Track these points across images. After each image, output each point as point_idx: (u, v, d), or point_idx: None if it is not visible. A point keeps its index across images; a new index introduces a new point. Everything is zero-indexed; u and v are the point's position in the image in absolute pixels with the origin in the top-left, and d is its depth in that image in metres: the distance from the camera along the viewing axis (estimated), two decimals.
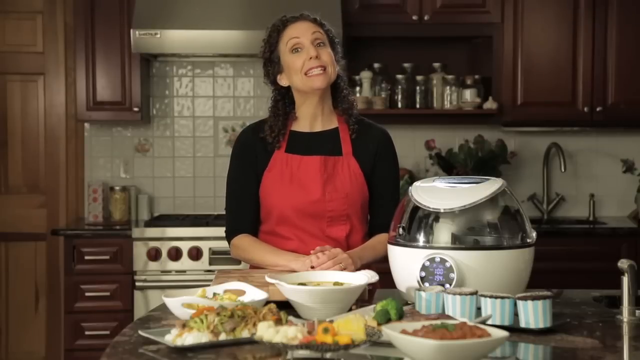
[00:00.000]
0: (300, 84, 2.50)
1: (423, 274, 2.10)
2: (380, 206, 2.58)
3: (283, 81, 2.55)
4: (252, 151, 2.57)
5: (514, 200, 2.19)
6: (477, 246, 2.09)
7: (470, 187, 2.18)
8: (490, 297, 1.91)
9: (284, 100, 2.57)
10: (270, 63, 2.55)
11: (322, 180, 2.51)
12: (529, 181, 4.91)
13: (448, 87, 4.68)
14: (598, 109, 4.58)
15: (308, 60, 2.47)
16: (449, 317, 1.92)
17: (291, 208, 2.50)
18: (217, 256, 4.20)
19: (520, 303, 1.90)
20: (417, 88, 4.71)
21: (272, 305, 1.83)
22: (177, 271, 4.21)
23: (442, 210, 2.13)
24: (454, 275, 2.06)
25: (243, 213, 2.58)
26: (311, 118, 2.57)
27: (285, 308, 1.95)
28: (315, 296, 1.98)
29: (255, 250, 2.53)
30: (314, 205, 2.49)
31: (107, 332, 4.14)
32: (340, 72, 2.58)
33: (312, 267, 2.31)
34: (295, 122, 2.58)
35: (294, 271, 2.35)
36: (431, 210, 2.14)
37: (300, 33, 2.50)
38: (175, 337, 1.75)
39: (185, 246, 4.21)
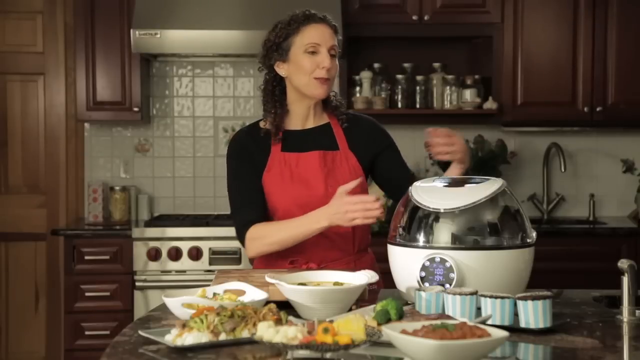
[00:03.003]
0: (304, 86, 2.50)
1: (423, 274, 2.10)
2: (404, 179, 2.55)
3: (282, 71, 2.53)
4: (248, 151, 2.56)
5: (514, 200, 2.19)
6: (477, 246, 2.09)
7: (470, 187, 2.18)
8: (490, 297, 1.91)
9: (279, 87, 2.56)
10: (277, 48, 2.51)
11: (323, 174, 2.51)
12: (529, 181, 4.91)
13: (448, 87, 4.68)
14: (598, 109, 4.58)
15: (320, 68, 2.47)
16: (449, 317, 1.91)
17: (295, 205, 2.48)
18: (217, 256, 4.20)
19: (520, 303, 1.90)
20: (417, 88, 4.71)
21: (272, 305, 1.83)
22: (177, 271, 4.21)
23: (442, 210, 2.13)
24: (454, 275, 2.06)
25: (252, 206, 2.51)
26: (302, 117, 2.58)
27: (285, 308, 1.95)
28: (315, 296, 1.98)
29: (278, 231, 2.44)
30: (318, 201, 2.47)
31: (107, 332, 4.14)
32: None
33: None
34: (287, 119, 2.57)
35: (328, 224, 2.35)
36: (431, 210, 2.14)
37: (322, 39, 2.49)
38: (175, 337, 1.75)
39: (185, 246, 4.21)
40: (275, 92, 2.56)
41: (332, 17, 2.59)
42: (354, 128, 2.60)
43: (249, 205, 2.51)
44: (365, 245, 2.62)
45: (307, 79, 2.49)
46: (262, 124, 2.59)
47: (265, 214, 2.52)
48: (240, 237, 2.51)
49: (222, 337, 1.75)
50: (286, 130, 2.57)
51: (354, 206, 2.32)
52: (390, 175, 2.60)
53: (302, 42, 2.49)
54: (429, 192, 2.19)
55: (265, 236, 2.45)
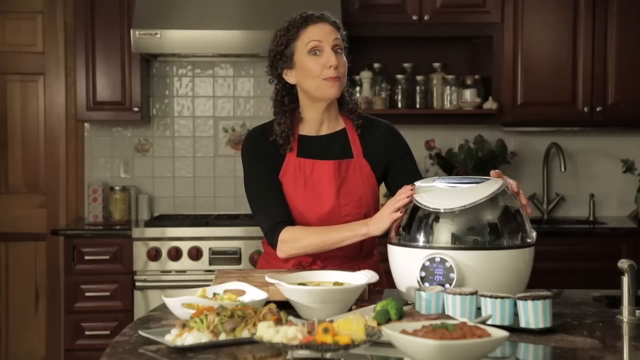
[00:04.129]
0: (315, 89, 2.44)
1: (423, 274, 2.10)
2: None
3: (290, 78, 2.47)
4: (265, 150, 2.50)
5: (514, 200, 2.19)
6: (477, 246, 2.09)
7: (470, 187, 2.18)
8: (490, 297, 1.91)
9: (289, 96, 2.50)
10: (281, 57, 2.46)
11: (336, 185, 2.47)
12: (529, 181, 4.91)
13: (448, 87, 4.68)
14: (598, 109, 4.58)
15: (327, 68, 2.41)
16: (449, 317, 1.91)
17: (302, 215, 2.47)
18: (217, 256, 4.20)
19: (520, 303, 1.90)
20: (417, 88, 4.71)
21: (272, 305, 1.83)
22: (177, 271, 4.21)
23: (442, 210, 2.13)
24: (454, 275, 2.06)
25: (280, 207, 2.45)
26: (317, 122, 2.52)
27: (285, 308, 1.95)
28: (315, 296, 1.98)
29: (313, 235, 2.40)
30: (329, 215, 2.46)
31: (107, 332, 4.14)
32: None
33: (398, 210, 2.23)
34: (301, 125, 2.53)
35: (370, 235, 2.32)
36: (431, 210, 2.14)
37: (322, 36, 2.43)
38: (175, 337, 1.75)
39: (185, 246, 4.20)
40: (284, 101, 2.50)
41: (331, 15, 2.55)
42: (370, 134, 2.54)
43: (277, 205, 2.45)
44: (371, 250, 2.61)
45: (316, 81, 2.42)
46: (275, 127, 2.51)
47: (291, 214, 2.48)
48: (271, 238, 2.45)
49: (222, 337, 1.75)
50: (300, 135, 2.52)
51: (389, 205, 2.26)
52: (403, 184, 2.40)
53: (304, 45, 2.43)
54: (429, 192, 2.19)
55: (299, 239, 2.41)
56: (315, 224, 2.45)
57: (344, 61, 2.47)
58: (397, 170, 2.56)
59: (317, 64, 2.42)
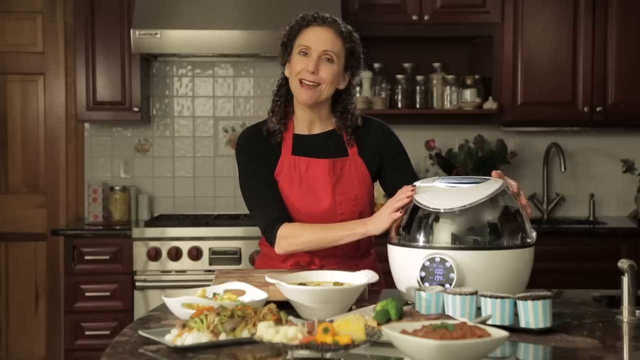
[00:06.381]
0: (293, 89, 2.49)
1: (423, 274, 2.10)
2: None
3: (287, 71, 2.54)
4: (259, 148, 2.52)
5: (514, 200, 2.19)
6: (477, 246, 2.09)
7: (470, 187, 2.18)
8: (490, 297, 1.91)
9: (287, 87, 2.55)
10: (284, 49, 2.52)
11: (331, 184, 2.48)
12: (529, 181, 4.91)
13: (448, 87, 4.68)
14: (598, 109, 4.58)
15: (305, 71, 2.45)
16: (449, 317, 1.92)
17: (300, 213, 2.47)
18: (217, 256, 4.20)
19: (520, 303, 1.90)
20: (417, 88, 4.71)
21: (272, 305, 1.83)
22: (177, 271, 4.21)
23: (442, 210, 2.13)
24: (454, 275, 2.06)
25: (277, 202, 2.46)
26: (308, 121, 2.55)
27: (285, 308, 1.95)
28: (315, 296, 1.98)
29: (311, 231, 2.40)
30: (325, 213, 2.47)
31: (107, 332, 4.14)
32: (344, 86, 2.54)
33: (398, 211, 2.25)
34: (295, 123, 2.55)
35: (368, 234, 2.33)
36: (431, 210, 2.14)
37: (313, 42, 2.47)
38: (175, 337, 1.75)
39: (185, 246, 4.20)
40: (281, 92, 2.55)
41: (340, 23, 2.56)
42: (364, 133, 2.56)
43: (274, 202, 2.46)
44: (368, 249, 2.61)
45: (294, 81, 2.47)
46: (269, 112, 2.56)
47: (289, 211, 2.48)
48: (269, 234, 2.45)
49: (222, 337, 1.75)
50: (296, 135, 2.54)
51: (389, 205, 2.27)
52: (397, 183, 2.41)
53: (297, 45, 2.49)
54: (429, 192, 2.19)
55: (298, 235, 2.41)
56: (311, 222, 2.45)
57: (331, 70, 2.47)
58: (391, 169, 2.57)
59: (300, 64, 2.46)
